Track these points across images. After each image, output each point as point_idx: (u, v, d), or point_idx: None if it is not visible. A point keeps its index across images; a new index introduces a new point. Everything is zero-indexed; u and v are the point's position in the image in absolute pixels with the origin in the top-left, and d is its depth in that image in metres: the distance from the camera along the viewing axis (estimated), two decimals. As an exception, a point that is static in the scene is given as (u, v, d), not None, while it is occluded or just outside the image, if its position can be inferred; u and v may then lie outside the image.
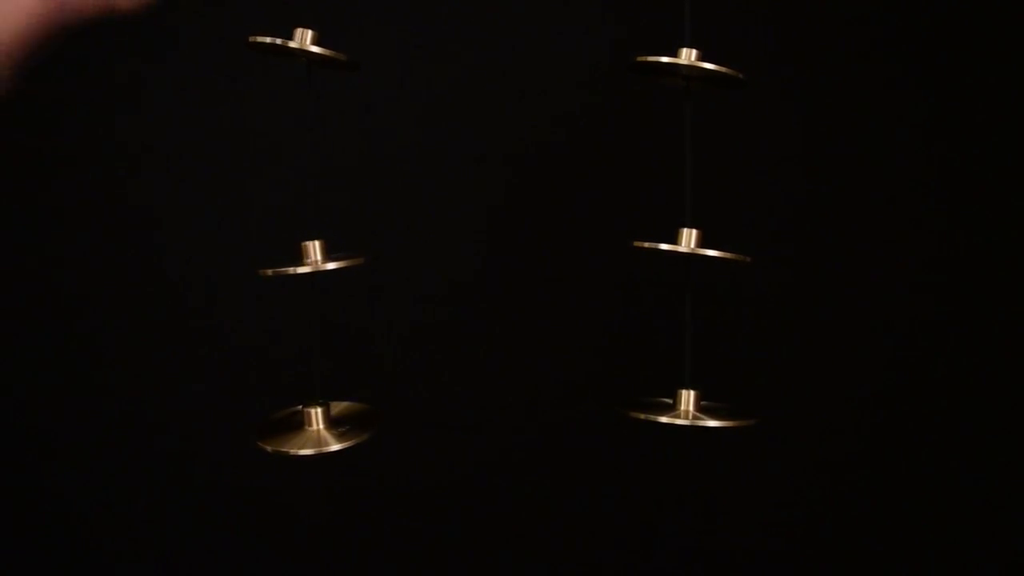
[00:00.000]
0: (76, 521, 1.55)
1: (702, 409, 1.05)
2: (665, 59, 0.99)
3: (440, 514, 1.56)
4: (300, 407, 1.04)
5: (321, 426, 1.05)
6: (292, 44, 0.90)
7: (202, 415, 1.54)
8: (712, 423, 1.03)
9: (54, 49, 0.77)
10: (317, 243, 0.99)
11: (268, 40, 0.89)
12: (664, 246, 1.00)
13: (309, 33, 0.91)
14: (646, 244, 1.01)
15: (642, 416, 1.03)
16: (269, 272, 0.97)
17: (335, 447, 1.03)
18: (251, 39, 0.89)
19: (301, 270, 0.98)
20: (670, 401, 1.05)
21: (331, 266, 0.98)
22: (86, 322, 1.54)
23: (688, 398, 1.04)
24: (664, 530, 1.57)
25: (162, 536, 1.56)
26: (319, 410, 1.04)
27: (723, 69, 0.98)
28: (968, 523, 1.56)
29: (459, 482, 1.56)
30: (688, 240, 1.01)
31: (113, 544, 1.55)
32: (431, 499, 1.56)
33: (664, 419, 1.03)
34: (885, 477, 1.56)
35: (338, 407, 1.08)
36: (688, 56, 0.99)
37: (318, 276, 1.01)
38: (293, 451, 1.03)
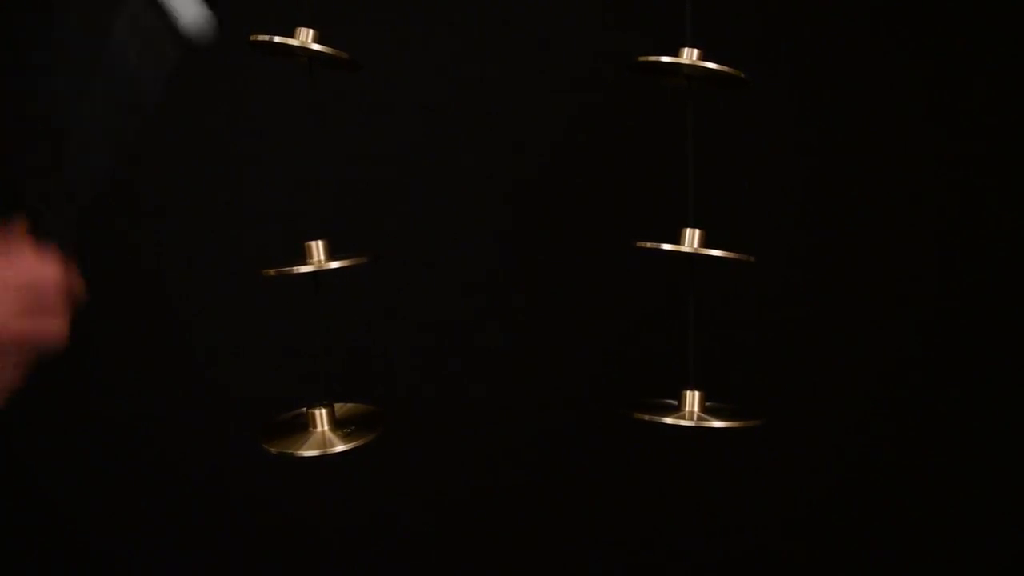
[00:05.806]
0: (75, 522, 1.55)
1: (707, 410, 1.04)
2: (666, 59, 0.99)
3: (440, 513, 1.56)
4: (305, 408, 1.04)
5: (326, 427, 1.05)
6: (294, 42, 0.90)
7: (202, 417, 1.54)
8: (717, 424, 1.02)
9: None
10: (320, 243, 0.99)
11: (270, 39, 0.90)
12: (667, 246, 1.00)
13: (311, 32, 0.91)
14: (649, 244, 1.01)
15: (647, 417, 1.03)
16: (272, 272, 0.97)
17: (340, 448, 1.03)
18: (253, 37, 0.90)
19: (304, 270, 0.98)
20: (675, 402, 1.04)
21: (334, 265, 0.98)
22: (86, 322, 1.54)
23: (693, 399, 1.04)
24: (668, 530, 1.56)
25: (162, 539, 1.55)
26: (324, 411, 1.04)
27: (725, 68, 0.98)
28: (969, 523, 1.54)
29: (460, 482, 1.55)
30: (691, 240, 1.01)
31: (112, 546, 1.55)
32: (431, 498, 1.56)
33: (669, 420, 1.03)
34: (887, 477, 1.55)
35: (343, 408, 1.08)
36: (690, 56, 0.99)
37: (322, 276, 1.01)
38: (298, 452, 1.03)
